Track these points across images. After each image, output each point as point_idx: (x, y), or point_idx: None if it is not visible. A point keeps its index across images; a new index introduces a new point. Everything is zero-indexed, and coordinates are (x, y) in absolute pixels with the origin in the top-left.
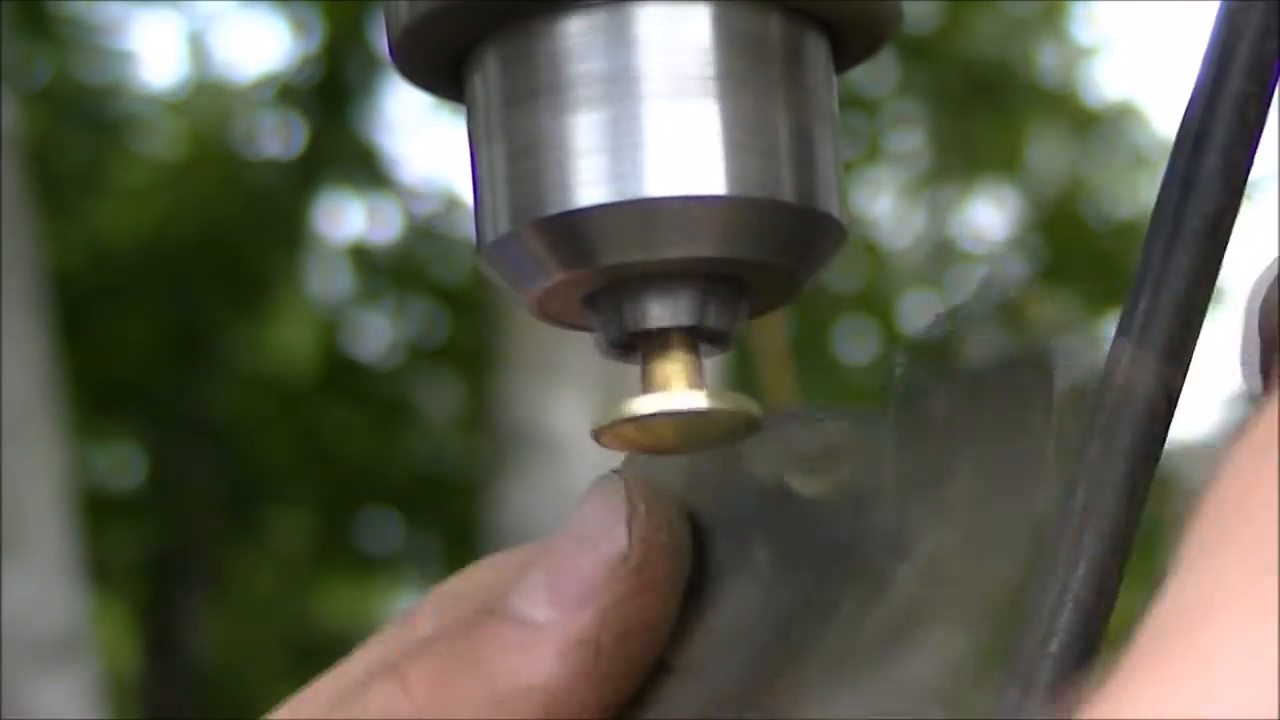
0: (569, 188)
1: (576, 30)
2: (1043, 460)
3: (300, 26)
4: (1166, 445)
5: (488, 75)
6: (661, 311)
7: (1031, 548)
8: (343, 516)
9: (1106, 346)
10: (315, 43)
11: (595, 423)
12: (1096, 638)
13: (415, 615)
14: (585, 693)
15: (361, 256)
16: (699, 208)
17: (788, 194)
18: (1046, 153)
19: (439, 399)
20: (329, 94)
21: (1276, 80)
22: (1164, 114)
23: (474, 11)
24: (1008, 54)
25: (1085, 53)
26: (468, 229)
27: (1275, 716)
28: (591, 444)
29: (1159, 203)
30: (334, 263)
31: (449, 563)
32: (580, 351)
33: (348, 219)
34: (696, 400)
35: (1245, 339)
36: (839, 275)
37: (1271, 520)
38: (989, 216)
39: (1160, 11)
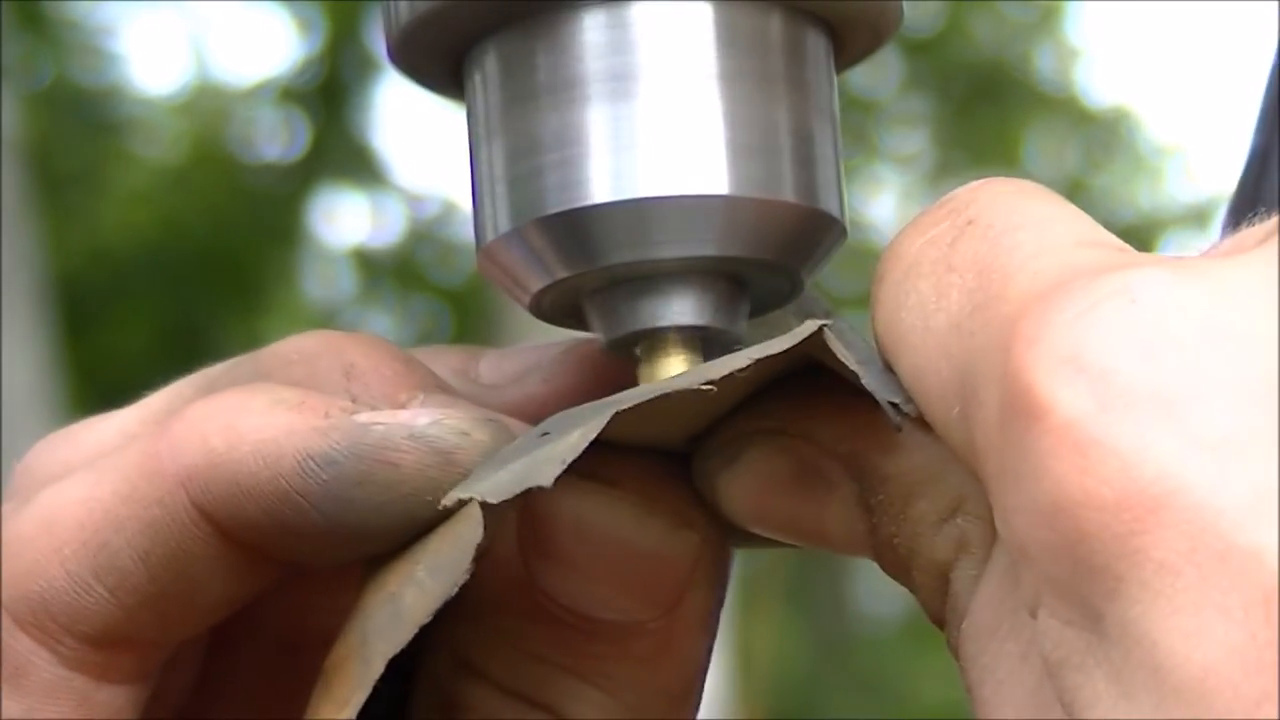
0: (569, 187)
1: (577, 29)
2: None
3: (302, 26)
4: None
5: (487, 74)
6: (661, 311)
7: None
8: None
9: None
10: (316, 44)
11: None
12: None
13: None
14: None
15: (363, 258)
16: (699, 207)
17: (788, 193)
18: (1046, 153)
19: None
20: (329, 96)
21: None
22: (1160, 120)
23: (474, 10)
24: (1007, 56)
25: (1080, 55)
26: (469, 232)
27: None
28: None
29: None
30: (334, 264)
31: None
32: None
33: (348, 221)
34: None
35: None
36: (839, 275)
37: None
38: None
39: (1155, 15)
